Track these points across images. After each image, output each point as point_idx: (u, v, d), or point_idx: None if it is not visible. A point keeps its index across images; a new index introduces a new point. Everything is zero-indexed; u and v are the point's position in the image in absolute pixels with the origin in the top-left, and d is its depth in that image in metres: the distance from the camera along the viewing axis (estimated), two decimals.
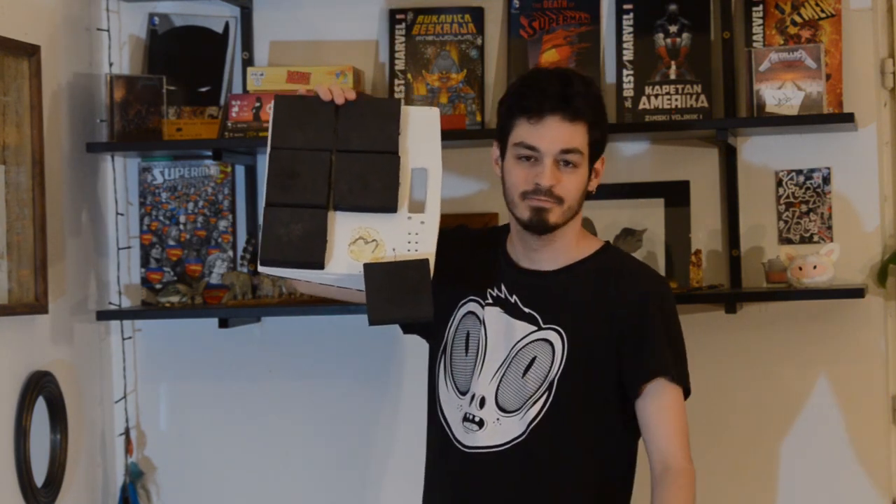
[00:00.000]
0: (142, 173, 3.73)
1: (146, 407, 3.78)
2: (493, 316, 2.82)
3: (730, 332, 3.55)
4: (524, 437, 2.75)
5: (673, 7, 3.57)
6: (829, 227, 3.53)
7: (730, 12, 3.55)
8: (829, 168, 3.53)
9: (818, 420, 3.53)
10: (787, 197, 3.54)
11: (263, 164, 3.69)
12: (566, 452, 2.77)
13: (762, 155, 3.55)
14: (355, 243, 2.65)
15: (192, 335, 3.73)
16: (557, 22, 3.61)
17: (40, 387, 3.32)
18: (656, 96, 3.55)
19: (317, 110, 2.70)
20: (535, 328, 2.78)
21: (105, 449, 3.71)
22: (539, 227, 2.76)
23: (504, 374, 2.79)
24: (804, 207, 3.54)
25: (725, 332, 3.55)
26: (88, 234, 3.66)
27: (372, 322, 2.60)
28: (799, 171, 3.54)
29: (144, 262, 3.72)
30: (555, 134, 2.73)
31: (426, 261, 2.63)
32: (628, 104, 3.56)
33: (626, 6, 3.59)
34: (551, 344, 2.77)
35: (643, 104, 3.55)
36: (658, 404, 2.78)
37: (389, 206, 2.65)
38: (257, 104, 3.53)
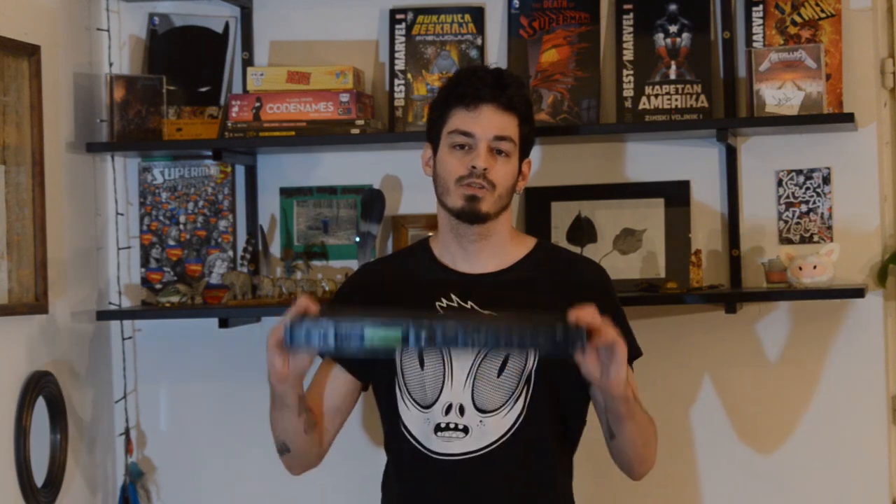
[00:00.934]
0: (142, 173, 3.73)
1: (146, 407, 3.78)
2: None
3: (730, 332, 3.55)
4: (510, 434, 2.77)
5: (673, 7, 3.57)
6: (829, 227, 3.53)
7: (730, 12, 3.55)
8: (829, 168, 3.53)
9: (818, 420, 3.54)
10: (787, 197, 3.55)
11: (263, 164, 3.72)
12: (546, 443, 2.80)
13: (762, 155, 3.56)
14: None
15: (192, 335, 3.73)
16: (557, 22, 3.61)
17: (40, 387, 3.32)
18: (656, 96, 3.55)
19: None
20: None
21: (105, 449, 3.71)
22: (472, 214, 2.80)
23: (475, 379, 2.80)
24: (804, 207, 3.54)
25: (725, 332, 3.55)
26: (88, 234, 3.66)
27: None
28: (799, 171, 3.54)
29: (144, 262, 3.72)
30: (489, 120, 2.81)
31: None
32: (628, 104, 3.56)
33: (626, 6, 3.59)
34: None
35: (643, 104, 3.55)
36: None
37: None
38: (257, 104, 3.53)
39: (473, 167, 2.79)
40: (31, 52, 3.27)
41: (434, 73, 3.65)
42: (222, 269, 3.68)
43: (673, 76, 3.55)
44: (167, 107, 3.63)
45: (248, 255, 3.62)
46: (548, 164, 3.61)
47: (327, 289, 3.54)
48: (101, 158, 3.70)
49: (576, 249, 3.53)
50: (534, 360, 2.79)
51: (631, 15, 3.59)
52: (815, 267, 3.36)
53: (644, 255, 3.54)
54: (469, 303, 2.83)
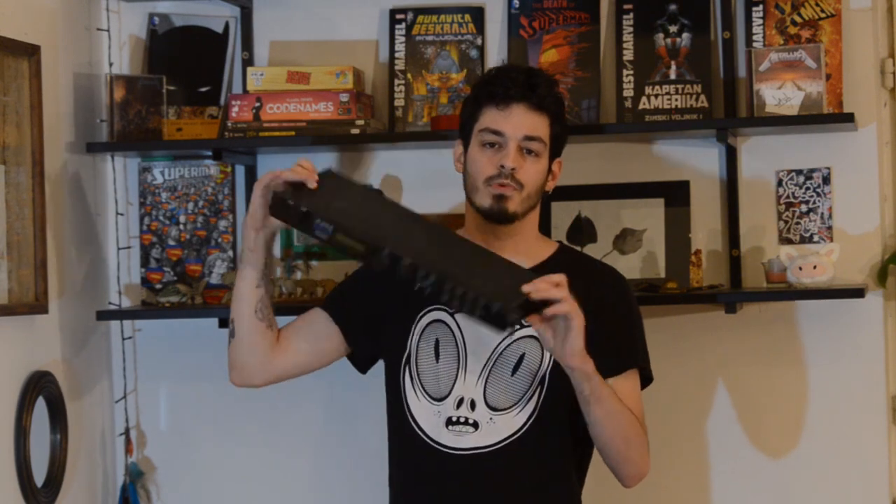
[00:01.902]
0: (142, 173, 3.73)
1: (146, 407, 3.78)
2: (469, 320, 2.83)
3: (730, 332, 3.55)
4: (521, 433, 2.78)
5: (673, 7, 3.57)
6: (829, 227, 3.53)
7: (730, 12, 3.55)
8: (829, 168, 3.53)
9: (818, 420, 3.54)
10: (787, 197, 3.54)
11: (263, 164, 3.72)
12: (556, 446, 2.81)
13: (762, 155, 3.56)
14: None
15: (192, 335, 3.73)
16: (557, 22, 3.61)
17: (40, 387, 3.32)
18: (656, 96, 3.55)
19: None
20: (518, 326, 2.78)
21: (105, 449, 3.71)
22: (499, 214, 2.82)
23: (489, 375, 2.81)
24: (804, 207, 3.54)
25: (725, 332, 3.55)
26: (88, 234, 3.66)
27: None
28: (799, 171, 3.54)
29: (144, 262, 3.72)
30: (520, 120, 2.82)
31: None
32: (628, 104, 3.56)
33: (626, 6, 3.59)
34: (538, 339, 2.78)
35: (643, 104, 3.55)
36: (629, 387, 2.86)
37: None
38: (257, 104, 3.53)
39: (502, 166, 2.80)
40: (31, 52, 3.27)
41: (434, 73, 3.65)
42: (222, 269, 3.68)
43: (673, 76, 3.55)
44: (167, 107, 3.63)
45: None
46: None
47: (327, 289, 3.54)
48: (101, 158, 3.70)
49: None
50: (549, 362, 2.80)
51: (631, 15, 3.59)
52: (815, 267, 3.36)
53: (644, 256, 3.54)
54: None
